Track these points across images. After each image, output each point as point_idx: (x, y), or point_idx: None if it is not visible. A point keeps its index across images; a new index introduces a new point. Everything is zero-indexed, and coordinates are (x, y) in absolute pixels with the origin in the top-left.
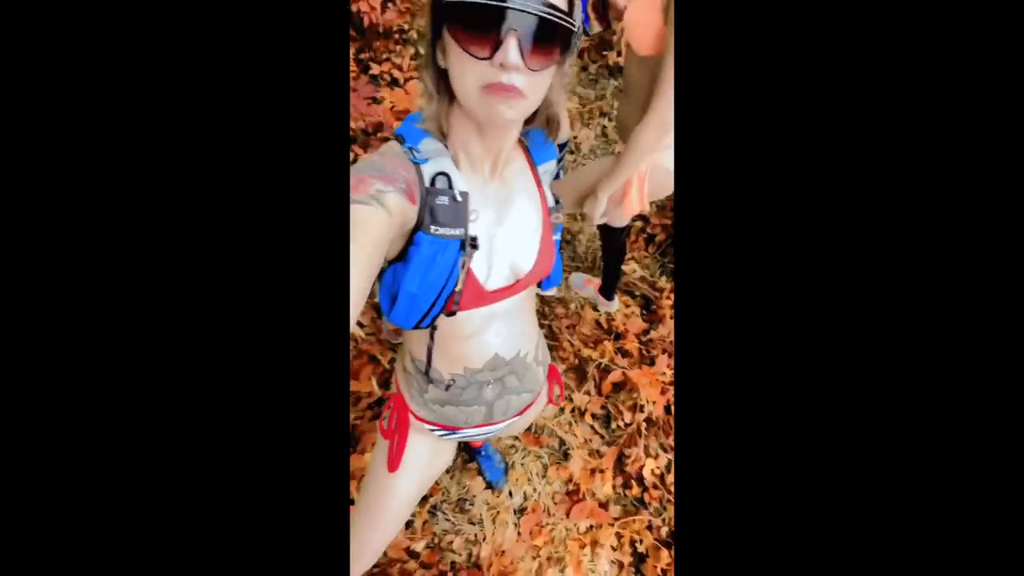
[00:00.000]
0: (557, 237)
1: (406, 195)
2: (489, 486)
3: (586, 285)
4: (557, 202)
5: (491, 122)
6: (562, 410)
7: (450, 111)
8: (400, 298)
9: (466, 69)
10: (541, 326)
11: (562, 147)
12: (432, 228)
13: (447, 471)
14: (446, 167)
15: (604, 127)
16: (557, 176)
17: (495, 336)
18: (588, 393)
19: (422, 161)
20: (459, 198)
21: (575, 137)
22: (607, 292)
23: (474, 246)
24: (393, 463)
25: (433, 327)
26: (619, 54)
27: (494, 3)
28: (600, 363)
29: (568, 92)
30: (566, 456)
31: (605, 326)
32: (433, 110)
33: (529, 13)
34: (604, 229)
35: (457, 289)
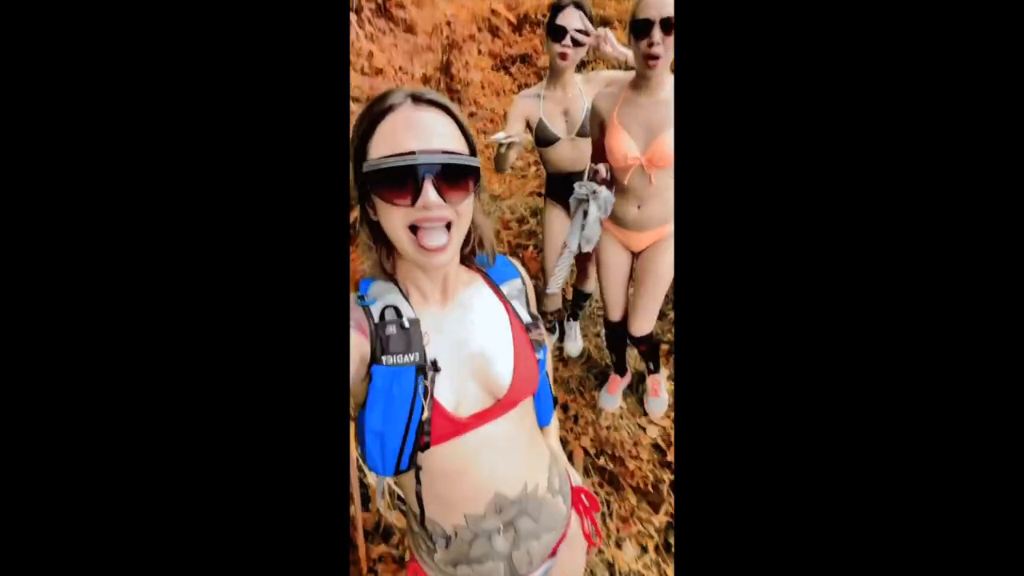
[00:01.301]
0: (541, 357)
1: (357, 329)
2: None
3: (612, 394)
4: (534, 319)
5: (426, 268)
6: (644, 549)
7: (392, 255)
8: (368, 440)
9: (394, 216)
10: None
11: (587, 296)
12: (384, 359)
13: None
14: (394, 301)
15: None
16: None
17: (488, 468)
18: (669, 514)
19: (370, 303)
20: (407, 325)
21: None
22: (618, 369)
23: (435, 369)
24: None
25: (417, 467)
26: None
27: (405, 161)
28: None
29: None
30: None
31: (664, 446)
32: (374, 258)
33: (436, 162)
34: (605, 322)
35: (424, 418)
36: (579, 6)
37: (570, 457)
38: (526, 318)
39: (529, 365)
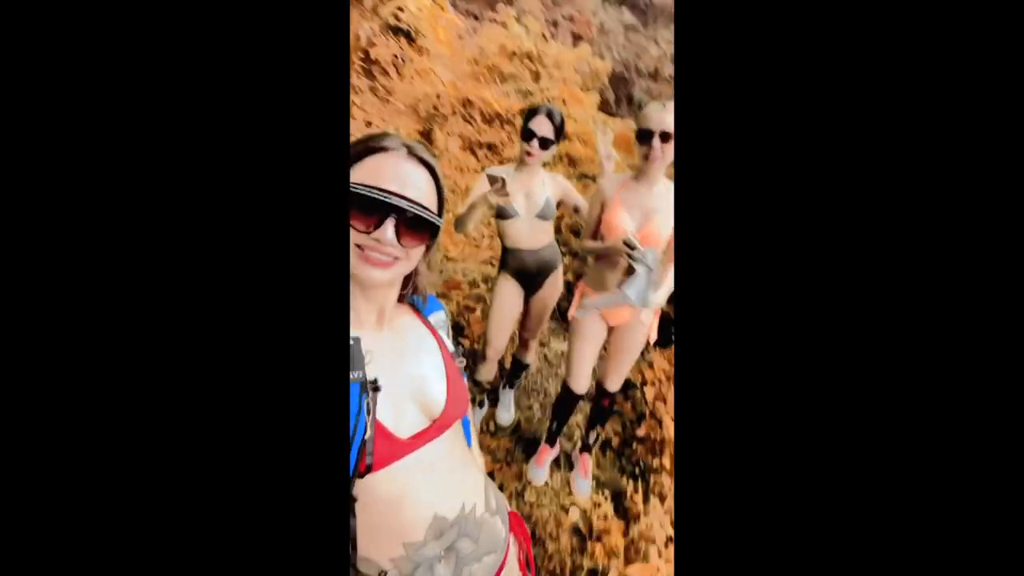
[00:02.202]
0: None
1: None
2: None
3: (540, 466)
4: (457, 345)
5: (365, 282)
6: None
7: None
8: None
9: (350, 235)
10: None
11: (525, 367)
12: None
13: None
14: None
15: (546, 355)
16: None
17: (428, 492)
18: None
19: None
20: (351, 342)
21: None
22: (550, 439)
23: (375, 388)
24: None
25: (352, 500)
26: None
27: (377, 195)
28: (597, 569)
29: None
30: None
31: (585, 530)
32: None
33: (403, 208)
34: (564, 388)
35: (367, 437)
36: (550, 115)
37: None
38: (450, 346)
39: (460, 386)
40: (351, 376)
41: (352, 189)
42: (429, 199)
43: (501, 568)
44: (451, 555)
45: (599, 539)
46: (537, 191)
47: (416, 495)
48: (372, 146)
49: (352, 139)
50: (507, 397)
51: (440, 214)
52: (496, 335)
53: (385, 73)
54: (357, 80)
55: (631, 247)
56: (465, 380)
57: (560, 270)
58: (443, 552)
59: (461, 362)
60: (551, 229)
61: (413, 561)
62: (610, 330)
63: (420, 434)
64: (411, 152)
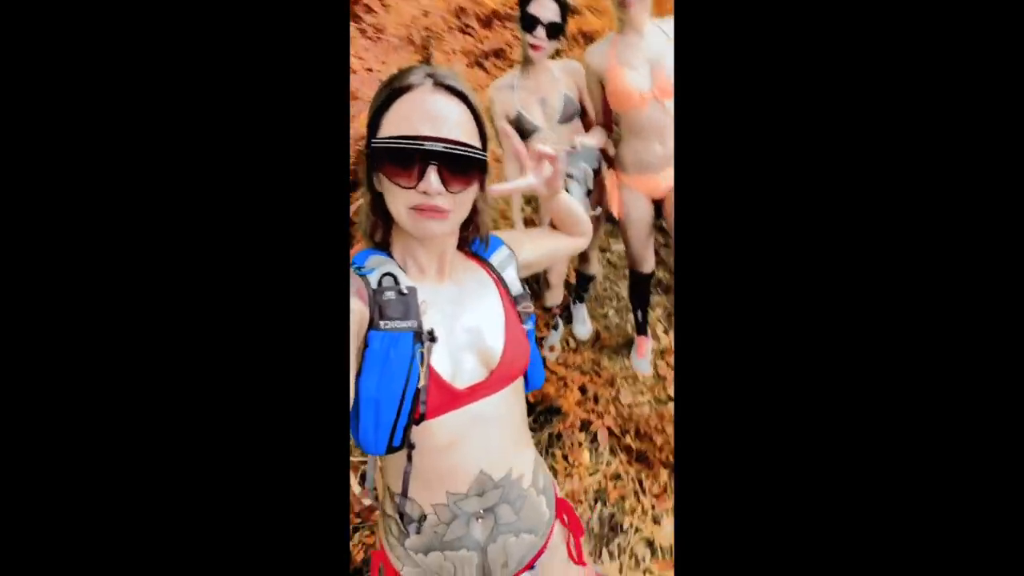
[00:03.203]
0: (530, 327)
1: (356, 295)
2: None
3: (642, 357)
4: (524, 289)
5: (423, 237)
6: None
7: (391, 227)
8: (362, 410)
9: (396, 195)
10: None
11: (590, 279)
12: (382, 323)
13: None
14: (392, 270)
15: (609, 259)
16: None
17: (477, 445)
18: None
19: (368, 272)
20: (406, 291)
21: None
22: (642, 329)
23: (432, 339)
24: None
25: (411, 445)
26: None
27: (413, 145)
28: None
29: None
30: None
31: None
32: (369, 226)
33: (443, 151)
34: (633, 275)
35: (421, 386)
36: None
37: (594, 439)
38: (516, 288)
39: (519, 337)
40: (404, 325)
41: (386, 144)
42: (469, 133)
43: (540, 553)
44: (489, 517)
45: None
46: (552, 93)
47: (466, 447)
48: (396, 87)
49: (353, 93)
50: (580, 312)
51: (484, 147)
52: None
53: (370, 10)
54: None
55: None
56: (532, 322)
57: (603, 168)
58: (482, 511)
59: (527, 305)
60: (580, 126)
61: (452, 512)
62: (656, 204)
63: (477, 386)
64: (438, 82)
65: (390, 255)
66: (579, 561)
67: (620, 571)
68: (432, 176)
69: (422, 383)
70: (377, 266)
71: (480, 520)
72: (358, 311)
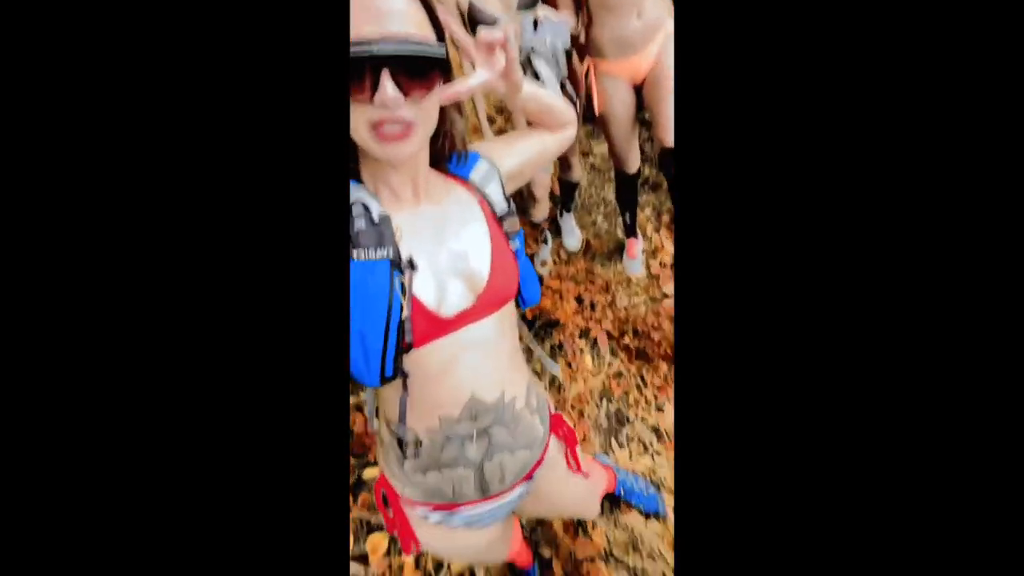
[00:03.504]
0: (518, 245)
1: None
2: (650, 516)
3: (633, 258)
4: (510, 205)
5: (388, 160)
6: None
7: (357, 151)
8: (351, 343)
9: (356, 114)
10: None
11: (575, 186)
12: (355, 252)
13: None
14: (362, 198)
15: (592, 164)
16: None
17: (468, 371)
18: None
19: None
20: (377, 220)
21: None
22: (631, 231)
23: (412, 266)
24: (407, 546)
25: (405, 374)
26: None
27: (359, 52)
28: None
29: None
30: None
31: None
32: None
33: (393, 54)
34: (619, 176)
35: (404, 316)
36: None
37: (595, 344)
38: (501, 206)
39: (505, 258)
40: (379, 254)
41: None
42: (420, 25)
43: (536, 466)
44: (484, 438)
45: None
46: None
47: (457, 372)
48: None
49: None
50: (568, 222)
51: (442, 39)
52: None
53: None
54: None
55: (535, 28)
56: (520, 239)
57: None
58: (476, 433)
59: (513, 222)
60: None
61: (445, 434)
62: (637, 88)
63: (464, 313)
64: None
65: (361, 182)
66: (577, 470)
67: (629, 457)
68: (387, 84)
69: (405, 313)
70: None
71: (475, 440)
72: None
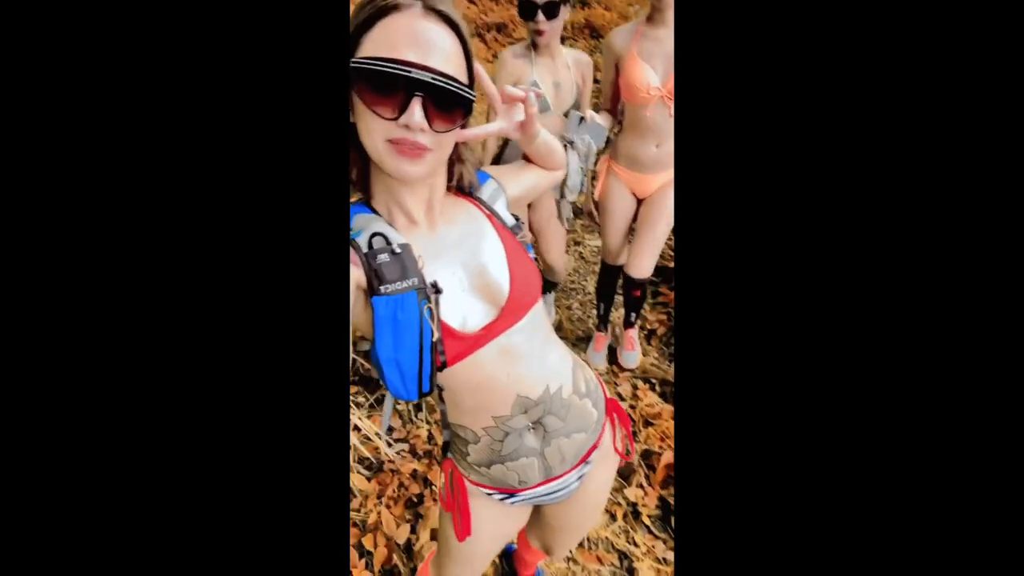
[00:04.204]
0: (532, 255)
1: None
2: None
3: (599, 351)
4: (517, 221)
5: (401, 178)
6: (613, 517)
7: (367, 168)
8: (385, 369)
9: (373, 125)
10: None
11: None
12: (382, 288)
13: None
14: (380, 228)
15: (581, 253)
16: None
17: (508, 376)
18: (641, 486)
19: (355, 235)
20: (399, 251)
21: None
22: (603, 324)
23: (437, 291)
24: (462, 532)
25: (440, 389)
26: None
27: (399, 70)
28: (643, 450)
29: None
30: (631, 573)
31: (637, 419)
32: (354, 172)
33: (431, 82)
34: (603, 267)
35: (436, 339)
36: None
37: None
38: (509, 220)
39: (525, 267)
40: (405, 285)
41: (365, 65)
42: (457, 68)
43: (593, 448)
44: (539, 428)
45: (649, 424)
46: (566, 81)
47: (496, 381)
48: (382, 5)
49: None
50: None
51: (471, 85)
52: (550, 255)
53: None
54: None
55: (578, 123)
56: (532, 254)
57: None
58: (531, 424)
59: (524, 235)
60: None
61: (503, 430)
62: (639, 201)
63: (490, 326)
64: (428, 6)
65: (374, 210)
66: (621, 454)
67: None
68: (416, 108)
69: (436, 336)
70: (364, 226)
71: (532, 430)
72: (351, 274)
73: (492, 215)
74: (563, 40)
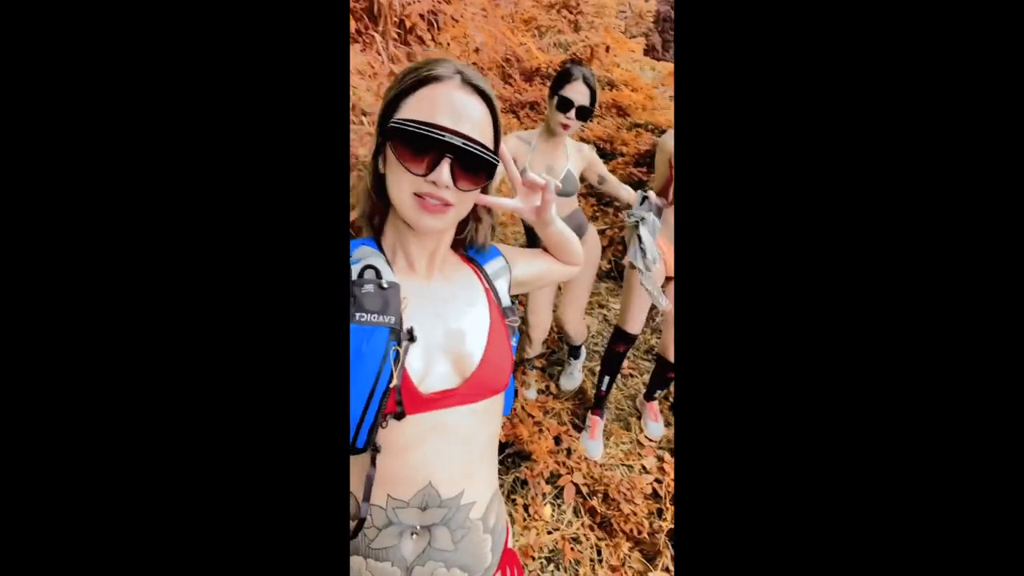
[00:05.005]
0: (513, 343)
1: None
2: None
3: (594, 439)
4: (513, 303)
5: (420, 229)
6: None
7: (386, 213)
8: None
9: (402, 179)
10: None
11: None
12: (358, 316)
13: None
14: (376, 263)
15: (605, 316)
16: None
17: (433, 455)
18: (668, 570)
19: (354, 262)
20: (386, 286)
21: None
22: (598, 404)
23: (411, 338)
24: None
25: (376, 449)
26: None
27: (434, 133)
28: (669, 529)
29: None
30: None
31: (661, 492)
32: (368, 208)
33: (460, 146)
34: (616, 332)
35: (393, 385)
36: (586, 80)
37: (560, 493)
38: (505, 301)
39: (501, 350)
40: (382, 320)
41: (402, 126)
42: (485, 135)
43: None
44: (424, 535)
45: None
46: (559, 164)
47: (421, 454)
48: (424, 75)
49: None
50: (572, 367)
51: (496, 151)
52: (536, 315)
53: (422, 42)
54: (395, 50)
55: (641, 203)
56: (514, 343)
57: (591, 233)
58: (419, 527)
59: (515, 320)
60: (574, 201)
61: (387, 517)
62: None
63: (446, 393)
64: (466, 80)
65: (379, 247)
66: None
67: None
68: (444, 168)
69: (395, 383)
70: (362, 257)
71: (414, 536)
72: None
73: (490, 290)
74: (592, 117)
